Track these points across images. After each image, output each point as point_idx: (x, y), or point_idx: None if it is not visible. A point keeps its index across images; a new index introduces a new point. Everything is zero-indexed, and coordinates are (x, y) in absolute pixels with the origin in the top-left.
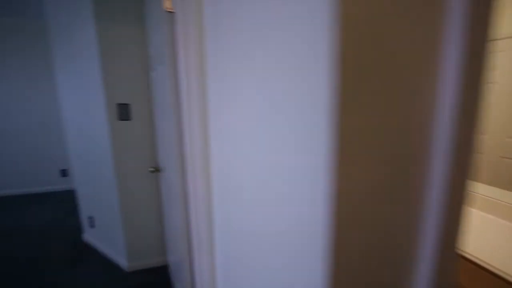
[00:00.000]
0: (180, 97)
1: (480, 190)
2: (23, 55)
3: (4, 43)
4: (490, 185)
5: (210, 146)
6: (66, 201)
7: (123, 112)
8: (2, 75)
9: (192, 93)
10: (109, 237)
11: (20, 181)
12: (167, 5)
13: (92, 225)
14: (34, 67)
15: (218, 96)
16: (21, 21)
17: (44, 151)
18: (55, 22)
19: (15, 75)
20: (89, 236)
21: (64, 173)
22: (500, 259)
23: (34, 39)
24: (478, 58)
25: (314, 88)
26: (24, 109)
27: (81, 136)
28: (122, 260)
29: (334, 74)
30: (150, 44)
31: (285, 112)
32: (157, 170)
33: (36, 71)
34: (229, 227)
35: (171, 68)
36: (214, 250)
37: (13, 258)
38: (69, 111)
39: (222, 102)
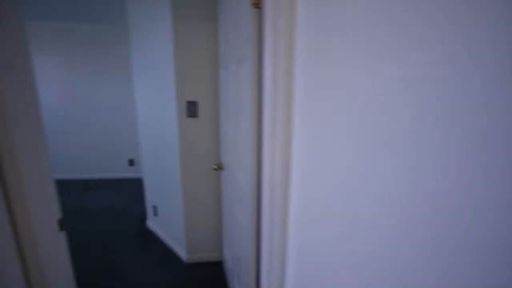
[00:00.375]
0: (262, 96)
1: None
2: (107, 56)
3: (92, 46)
4: None
5: (293, 146)
6: (134, 188)
7: (192, 109)
8: (88, 73)
9: (278, 93)
10: (170, 227)
11: (95, 167)
12: (254, 1)
13: (155, 214)
14: (115, 66)
15: (308, 97)
16: (107, 27)
17: (116, 141)
18: (135, 26)
19: (99, 74)
20: (152, 224)
21: (131, 162)
22: None
23: (117, 42)
24: None
25: None
26: (104, 104)
27: (151, 129)
28: (181, 251)
29: None
30: (222, 42)
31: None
32: (219, 167)
33: (117, 69)
34: (310, 233)
35: (253, 66)
36: (286, 254)
37: (85, 236)
38: (142, 106)
39: (313, 103)
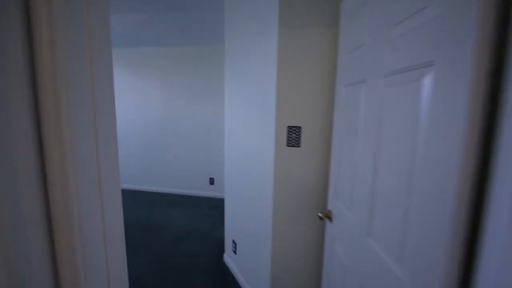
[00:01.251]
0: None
1: None
2: (201, 76)
3: (188, 67)
4: None
5: None
6: (214, 208)
7: (293, 136)
8: (183, 92)
9: None
10: (251, 274)
11: (177, 182)
12: None
13: (234, 251)
14: (209, 85)
15: None
16: (203, 48)
17: (198, 158)
18: (231, 43)
19: (193, 92)
20: (230, 261)
21: (212, 181)
22: None
23: (211, 62)
24: None
25: None
26: (194, 122)
27: (239, 153)
28: None
29: None
30: (346, 51)
31: None
32: (326, 217)
33: (211, 88)
34: None
35: (475, 67)
36: None
37: (160, 257)
38: (230, 126)
39: None
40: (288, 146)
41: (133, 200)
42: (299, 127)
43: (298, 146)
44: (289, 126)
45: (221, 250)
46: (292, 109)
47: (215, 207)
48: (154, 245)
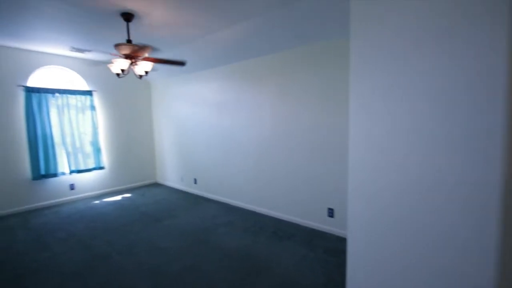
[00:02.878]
0: None
1: None
2: (319, 79)
3: (302, 71)
4: None
5: None
6: (333, 253)
7: None
8: (295, 102)
9: None
10: None
11: (290, 208)
12: None
13: None
14: (330, 91)
15: None
16: (323, 44)
17: (316, 182)
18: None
19: (307, 101)
20: None
21: (331, 212)
22: None
23: (337, 57)
24: None
25: None
26: (309, 134)
27: (379, 191)
28: None
29: None
30: None
31: None
32: None
33: (332, 94)
34: None
35: None
36: None
37: None
38: (357, 142)
39: None
40: None
41: (242, 221)
42: None
43: None
44: None
45: None
46: None
47: (334, 250)
48: None
